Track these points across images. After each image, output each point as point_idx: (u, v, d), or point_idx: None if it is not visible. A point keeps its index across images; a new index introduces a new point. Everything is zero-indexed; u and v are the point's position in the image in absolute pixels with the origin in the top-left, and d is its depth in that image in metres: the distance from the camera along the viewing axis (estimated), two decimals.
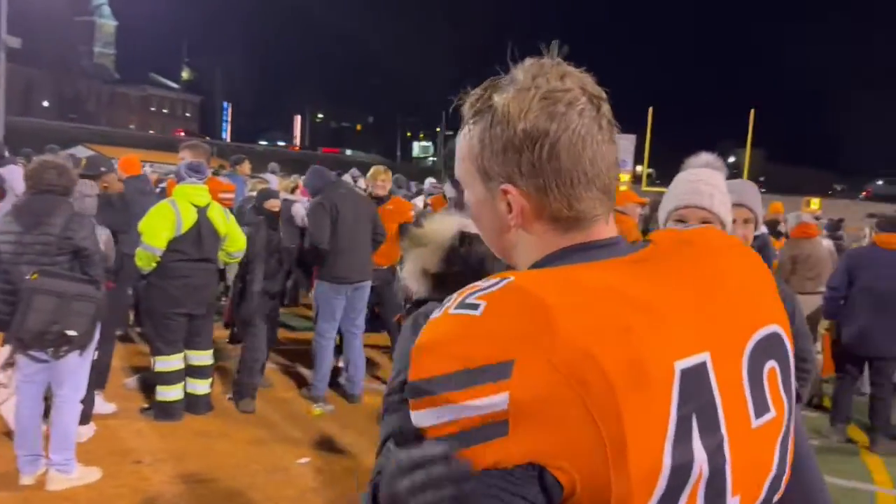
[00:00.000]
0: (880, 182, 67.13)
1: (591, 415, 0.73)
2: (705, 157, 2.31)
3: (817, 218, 10.94)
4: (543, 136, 0.86)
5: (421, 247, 1.52)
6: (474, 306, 0.78)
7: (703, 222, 2.09)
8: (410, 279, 1.51)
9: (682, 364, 0.79)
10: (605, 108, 0.90)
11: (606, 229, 0.92)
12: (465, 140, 0.94)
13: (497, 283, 0.80)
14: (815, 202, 25.26)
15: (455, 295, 0.82)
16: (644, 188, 22.71)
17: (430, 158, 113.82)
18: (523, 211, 0.90)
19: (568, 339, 0.74)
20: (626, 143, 24.81)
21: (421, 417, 0.79)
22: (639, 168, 26.05)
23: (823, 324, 6.19)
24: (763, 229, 6.74)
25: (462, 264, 1.49)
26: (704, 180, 2.14)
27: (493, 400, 0.73)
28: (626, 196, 6.51)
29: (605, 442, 0.73)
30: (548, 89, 0.87)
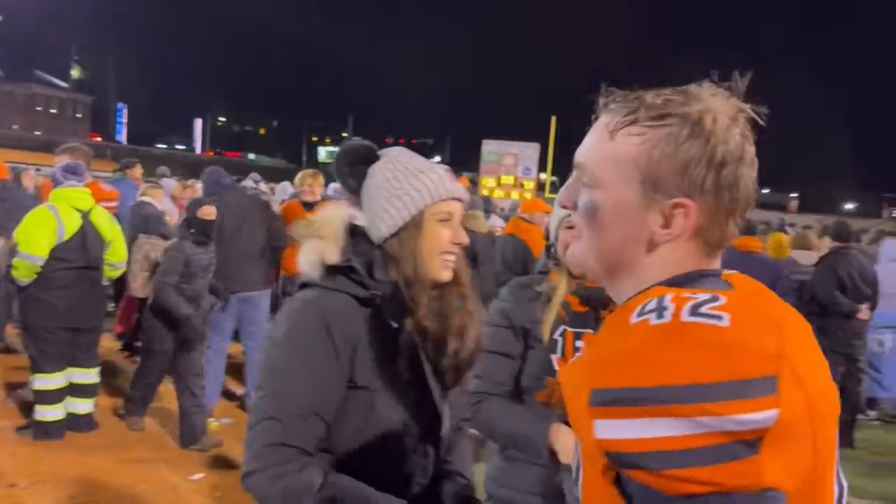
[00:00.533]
0: (766, 190, 71.24)
1: (815, 443, 0.72)
2: None
3: None
4: (736, 160, 0.85)
5: (318, 237, 1.58)
6: (717, 317, 0.73)
7: None
8: (308, 267, 1.57)
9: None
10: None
11: (719, 260, 0.92)
12: (631, 142, 0.87)
13: (718, 298, 0.76)
14: None
15: (667, 303, 0.76)
16: (547, 195, 23.14)
17: None
18: (689, 228, 0.87)
19: (802, 361, 0.73)
20: (531, 151, 25.26)
21: (642, 427, 0.71)
22: (542, 176, 26.58)
23: None
24: None
25: (353, 255, 1.56)
26: None
27: (764, 415, 0.68)
28: (534, 205, 6.55)
29: (815, 475, 0.72)
30: (740, 116, 0.87)
